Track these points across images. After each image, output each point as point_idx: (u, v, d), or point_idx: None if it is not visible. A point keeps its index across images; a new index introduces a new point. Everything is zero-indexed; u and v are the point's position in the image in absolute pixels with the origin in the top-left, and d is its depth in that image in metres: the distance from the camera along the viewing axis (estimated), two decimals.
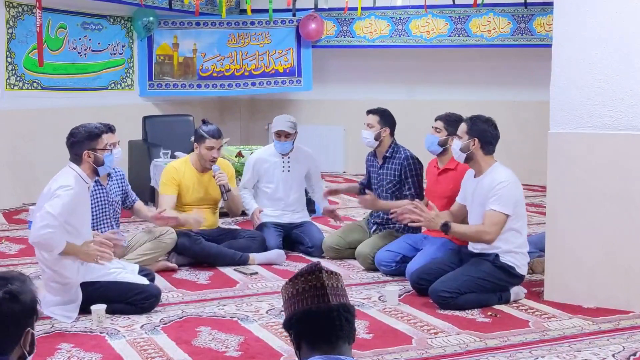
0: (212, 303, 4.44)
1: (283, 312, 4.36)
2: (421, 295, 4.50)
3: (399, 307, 4.34)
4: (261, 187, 5.77)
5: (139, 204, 5.16)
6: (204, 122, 5.42)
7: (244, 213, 6.10)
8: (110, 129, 4.55)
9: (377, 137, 5.26)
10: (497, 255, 4.34)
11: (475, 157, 4.38)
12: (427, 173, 5.17)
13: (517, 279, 4.43)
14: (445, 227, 4.33)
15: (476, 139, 4.34)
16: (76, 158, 4.12)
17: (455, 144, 4.42)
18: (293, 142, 5.71)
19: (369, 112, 5.35)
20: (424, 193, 5.14)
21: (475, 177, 4.44)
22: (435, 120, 4.97)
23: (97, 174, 4.21)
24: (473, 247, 4.48)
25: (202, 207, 5.42)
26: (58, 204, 3.89)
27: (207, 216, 5.44)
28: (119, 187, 4.98)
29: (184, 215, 5.22)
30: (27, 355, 1.88)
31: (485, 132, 4.37)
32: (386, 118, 5.30)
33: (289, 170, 5.73)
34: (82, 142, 4.10)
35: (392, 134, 5.33)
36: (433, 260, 4.64)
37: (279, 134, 5.64)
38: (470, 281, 4.30)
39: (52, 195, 3.93)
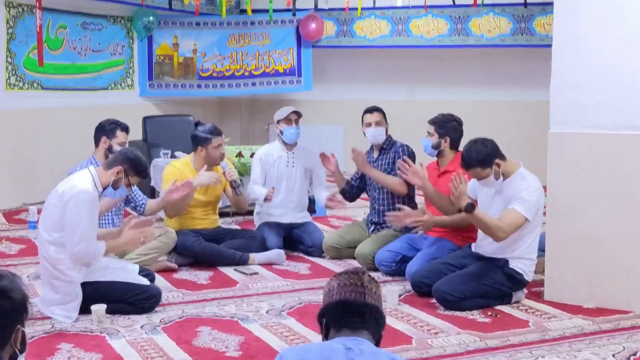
0: (212, 303, 4.44)
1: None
2: (421, 296, 4.50)
3: (399, 307, 4.33)
4: (266, 182, 5.77)
5: (149, 206, 5.10)
6: (197, 124, 5.44)
7: (248, 212, 6.09)
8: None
9: (386, 133, 5.42)
10: (507, 261, 4.30)
11: (500, 170, 4.27)
12: (428, 174, 5.15)
13: (523, 285, 4.42)
14: (471, 207, 4.15)
15: (495, 163, 4.24)
16: (109, 162, 4.18)
17: (472, 185, 4.41)
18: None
19: (372, 110, 5.41)
20: (424, 197, 5.13)
21: (496, 179, 4.30)
22: (428, 123, 5.00)
23: (103, 189, 4.16)
24: (483, 250, 4.42)
25: (203, 208, 5.43)
26: (84, 214, 3.93)
27: (207, 216, 5.46)
28: None
29: (196, 178, 5.15)
30: (18, 353, 1.86)
31: (476, 159, 4.23)
32: (384, 114, 5.46)
33: (293, 166, 5.74)
34: (125, 160, 4.15)
35: None
36: (433, 261, 4.62)
37: (290, 119, 5.68)
38: (476, 287, 4.27)
39: (76, 202, 3.93)
